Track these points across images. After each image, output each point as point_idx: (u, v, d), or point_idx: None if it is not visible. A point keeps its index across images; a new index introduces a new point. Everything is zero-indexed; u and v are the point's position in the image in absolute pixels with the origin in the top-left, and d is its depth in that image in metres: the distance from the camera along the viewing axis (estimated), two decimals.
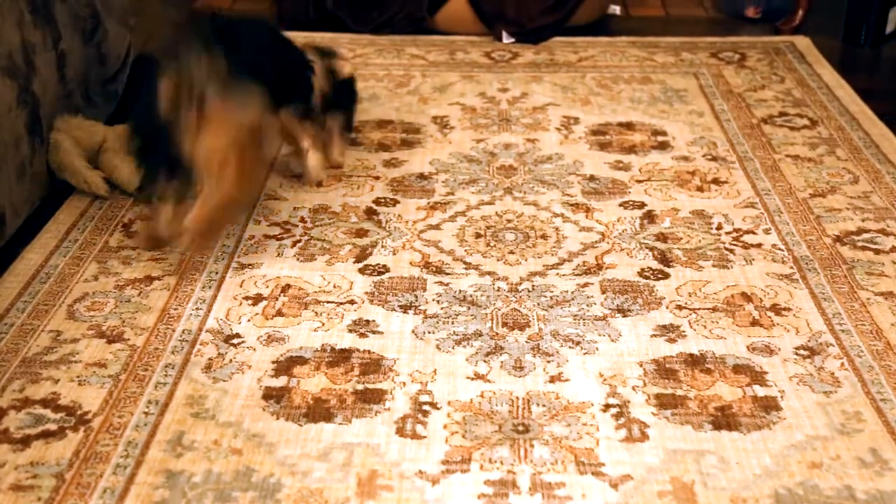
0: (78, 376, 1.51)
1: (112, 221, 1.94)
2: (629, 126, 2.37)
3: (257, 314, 1.66)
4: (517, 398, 1.47)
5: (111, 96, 2.38)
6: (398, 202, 2.03)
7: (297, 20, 3.01)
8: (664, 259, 1.82)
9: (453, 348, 1.58)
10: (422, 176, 2.13)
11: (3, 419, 1.42)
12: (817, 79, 2.62)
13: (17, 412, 1.43)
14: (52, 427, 1.40)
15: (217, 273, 1.77)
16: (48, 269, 1.78)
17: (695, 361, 1.55)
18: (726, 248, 1.86)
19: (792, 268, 1.79)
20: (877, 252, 1.84)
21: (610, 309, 1.68)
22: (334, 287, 1.74)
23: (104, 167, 2.03)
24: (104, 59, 2.32)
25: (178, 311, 1.66)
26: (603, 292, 1.72)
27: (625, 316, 1.66)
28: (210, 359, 1.55)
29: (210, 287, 1.73)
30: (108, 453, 1.36)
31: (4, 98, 1.82)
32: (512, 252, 1.85)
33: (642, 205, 2.02)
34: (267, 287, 1.74)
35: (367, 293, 1.72)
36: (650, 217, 1.97)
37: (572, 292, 1.72)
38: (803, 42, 2.87)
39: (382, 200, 2.03)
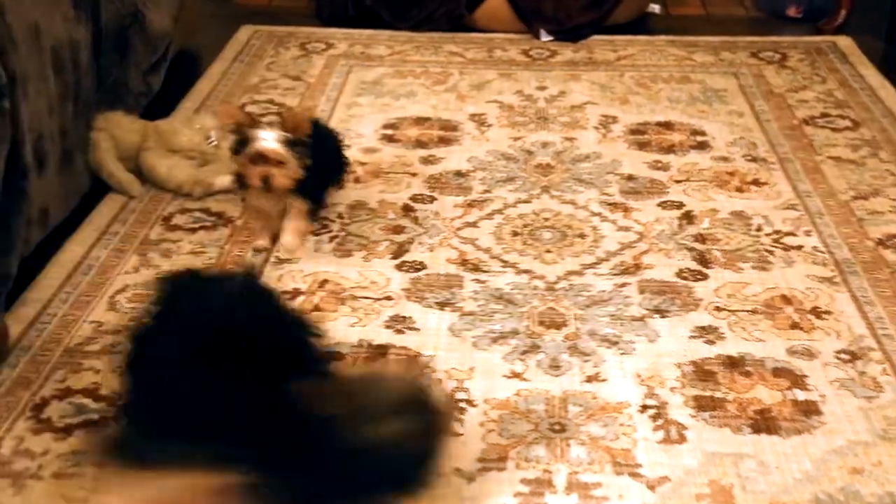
0: (119, 367, 1.52)
1: (152, 215, 1.96)
2: (668, 125, 2.35)
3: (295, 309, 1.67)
4: (553, 397, 1.46)
5: (152, 90, 2.40)
6: (435, 199, 2.03)
7: (337, 17, 3.02)
8: (703, 260, 1.81)
9: (490, 346, 1.58)
10: (459, 173, 2.12)
11: (46, 408, 1.44)
12: (860, 79, 2.59)
13: (59, 401, 1.45)
14: (94, 416, 1.42)
15: (255, 267, 1.78)
16: (90, 261, 1.80)
17: (734, 364, 1.53)
18: (766, 250, 1.84)
19: (833, 270, 1.77)
20: None
21: (648, 309, 1.67)
22: (371, 283, 1.74)
23: (142, 166, 2.04)
24: (146, 53, 2.34)
25: None
26: (641, 292, 1.71)
27: (663, 317, 1.65)
28: None
29: None
30: None
31: (49, 93, 1.84)
32: (549, 251, 1.84)
33: (681, 205, 2.00)
34: (304, 282, 1.75)
35: (403, 289, 1.72)
36: (689, 217, 1.95)
37: (610, 292, 1.71)
38: (845, 42, 2.84)
39: (420, 197, 2.03)
